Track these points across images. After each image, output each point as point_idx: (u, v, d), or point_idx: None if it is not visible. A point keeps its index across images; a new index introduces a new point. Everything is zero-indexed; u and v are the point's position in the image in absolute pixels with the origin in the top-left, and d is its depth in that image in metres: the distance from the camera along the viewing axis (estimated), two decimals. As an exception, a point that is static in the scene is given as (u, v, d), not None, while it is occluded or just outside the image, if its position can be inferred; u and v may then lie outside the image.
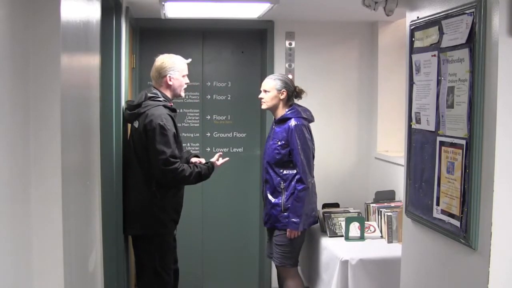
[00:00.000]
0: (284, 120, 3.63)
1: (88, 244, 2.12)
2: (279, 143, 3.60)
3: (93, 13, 2.24)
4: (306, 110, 3.72)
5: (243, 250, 4.75)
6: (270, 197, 3.65)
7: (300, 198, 3.55)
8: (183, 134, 4.53)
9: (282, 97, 3.66)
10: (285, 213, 3.58)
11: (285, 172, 3.60)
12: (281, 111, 3.67)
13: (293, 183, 3.58)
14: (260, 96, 3.73)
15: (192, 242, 4.62)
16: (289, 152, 3.58)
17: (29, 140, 1.48)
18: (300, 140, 3.55)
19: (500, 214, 1.94)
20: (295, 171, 3.58)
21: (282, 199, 3.60)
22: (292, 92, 3.70)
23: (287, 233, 3.57)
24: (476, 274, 2.02)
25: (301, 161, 3.54)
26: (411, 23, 2.54)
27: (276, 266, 3.79)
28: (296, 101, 3.75)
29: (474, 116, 2.01)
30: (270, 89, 3.67)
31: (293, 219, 3.55)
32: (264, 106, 3.72)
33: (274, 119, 3.73)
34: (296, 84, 3.82)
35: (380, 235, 3.80)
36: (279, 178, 3.61)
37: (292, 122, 3.58)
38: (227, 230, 4.73)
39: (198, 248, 4.68)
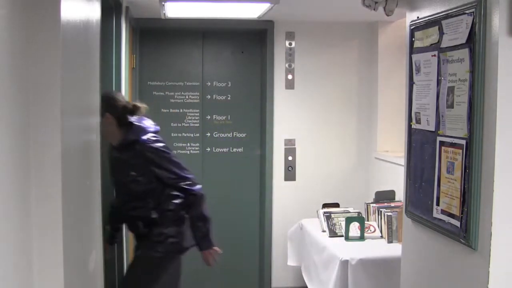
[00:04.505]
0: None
1: (88, 244, 2.12)
2: None
3: (93, 13, 2.23)
4: None
5: (243, 249, 4.75)
6: None
7: None
8: (183, 134, 4.54)
9: None
10: None
11: None
12: None
13: None
14: None
15: (192, 242, 4.61)
16: None
17: (29, 140, 1.48)
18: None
19: (500, 214, 1.94)
20: None
21: None
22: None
23: None
24: (476, 274, 2.02)
25: None
26: (411, 23, 2.54)
27: None
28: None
29: (474, 116, 2.01)
30: None
31: None
32: None
33: None
34: (296, 84, 3.82)
35: (380, 235, 3.80)
36: None
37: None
38: (227, 229, 4.73)
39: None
